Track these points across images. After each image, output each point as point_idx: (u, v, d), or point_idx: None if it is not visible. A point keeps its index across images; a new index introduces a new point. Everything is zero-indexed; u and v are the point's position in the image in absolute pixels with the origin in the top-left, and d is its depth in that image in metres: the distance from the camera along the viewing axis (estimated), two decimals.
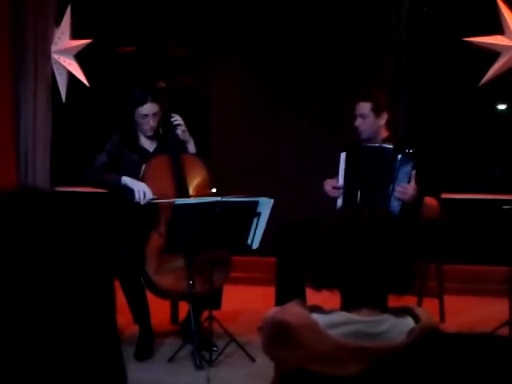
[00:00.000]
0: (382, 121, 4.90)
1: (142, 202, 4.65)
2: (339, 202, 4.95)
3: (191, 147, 4.92)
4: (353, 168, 4.93)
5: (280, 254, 4.97)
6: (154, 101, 4.78)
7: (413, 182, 4.68)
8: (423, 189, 4.72)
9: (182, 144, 4.90)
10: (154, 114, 4.79)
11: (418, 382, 0.94)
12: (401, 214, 4.65)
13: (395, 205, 4.71)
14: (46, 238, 0.90)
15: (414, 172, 4.70)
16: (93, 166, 4.80)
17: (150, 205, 4.69)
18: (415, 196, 4.68)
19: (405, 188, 4.67)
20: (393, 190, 4.73)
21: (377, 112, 4.88)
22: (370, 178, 4.84)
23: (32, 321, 0.87)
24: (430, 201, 4.79)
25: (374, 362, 0.99)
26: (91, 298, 0.92)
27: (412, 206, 4.70)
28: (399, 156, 4.74)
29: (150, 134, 4.86)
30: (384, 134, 4.93)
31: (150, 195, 4.67)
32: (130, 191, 4.67)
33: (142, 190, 4.65)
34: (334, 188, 4.95)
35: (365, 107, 4.89)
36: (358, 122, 4.91)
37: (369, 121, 4.89)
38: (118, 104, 5.07)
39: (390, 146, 4.80)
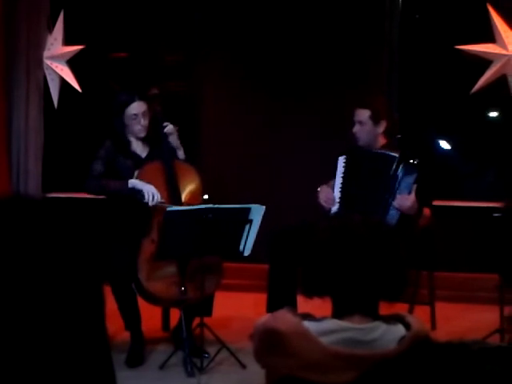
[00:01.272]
0: (380, 129, 4.87)
1: (150, 204, 4.64)
2: (334, 208, 4.92)
3: (181, 154, 4.92)
4: (352, 172, 4.90)
5: (273, 260, 4.96)
6: (141, 99, 4.78)
7: (413, 195, 4.66)
8: (422, 201, 4.71)
9: (173, 150, 4.89)
10: (144, 113, 4.78)
11: None
12: (398, 224, 4.63)
13: (393, 214, 4.68)
14: (37, 245, 0.90)
15: (415, 185, 4.68)
16: (91, 174, 4.76)
17: (144, 211, 4.68)
18: (413, 208, 4.67)
19: (405, 198, 4.65)
20: (393, 199, 4.71)
21: (375, 120, 4.85)
22: (370, 185, 4.81)
23: (21, 326, 0.87)
24: (424, 210, 4.80)
25: (366, 369, 0.99)
26: (81, 304, 0.92)
27: (410, 217, 4.70)
28: (403, 166, 4.71)
29: (142, 135, 4.83)
30: (382, 141, 4.91)
31: (158, 197, 4.66)
32: (138, 193, 4.66)
33: (151, 192, 4.65)
34: (328, 199, 4.92)
35: (363, 114, 4.87)
36: (356, 128, 4.89)
37: (366, 128, 4.86)
38: (107, 110, 5.06)
39: (396, 155, 4.76)
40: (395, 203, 4.67)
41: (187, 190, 4.86)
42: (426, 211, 4.83)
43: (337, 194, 4.92)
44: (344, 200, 4.89)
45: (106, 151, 4.81)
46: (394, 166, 4.73)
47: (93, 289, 0.94)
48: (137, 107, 4.76)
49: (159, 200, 4.65)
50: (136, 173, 4.74)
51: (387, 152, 4.83)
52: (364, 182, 4.84)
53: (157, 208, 4.65)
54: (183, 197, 4.82)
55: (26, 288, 0.87)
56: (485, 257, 5.31)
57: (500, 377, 0.90)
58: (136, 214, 4.72)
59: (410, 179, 4.69)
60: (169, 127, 4.84)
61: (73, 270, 0.92)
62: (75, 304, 0.91)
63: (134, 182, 4.68)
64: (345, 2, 6.47)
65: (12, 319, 0.86)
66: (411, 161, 4.72)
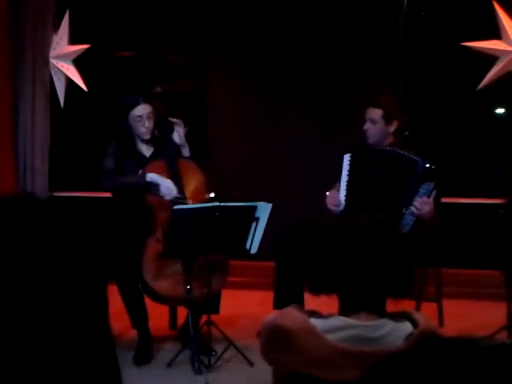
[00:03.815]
0: (392, 128, 4.87)
1: (167, 197, 4.66)
2: (340, 207, 4.90)
3: (185, 151, 4.92)
4: (361, 170, 4.85)
5: (279, 258, 4.96)
6: (146, 102, 4.79)
7: (431, 201, 4.63)
8: (437, 206, 4.67)
9: (177, 148, 4.90)
10: (148, 115, 4.79)
11: None
12: (411, 229, 4.59)
13: (408, 220, 4.63)
14: (40, 244, 0.90)
15: (435, 192, 4.63)
16: (105, 171, 4.77)
17: (146, 210, 4.68)
18: (431, 214, 4.64)
19: (425, 202, 4.59)
20: (409, 204, 4.64)
21: (387, 120, 4.84)
22: (384, 186, 4.74)
23: (25, 325, 0.87)
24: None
25: (372, 366, 0.99)
26: (84, 303, 0.92)
27: (423, 223, 4.67)
28: (424, 171, 4.64)
29: (146, 137, 4.85)
30: (390, 139, 4.91)
31: (175, 192, 4.68)
32: (155, 187, 4.68)
33: (169, 186, 4.67)
34: (334, 205, 4.88)
35: (376, 113, 4.86)
36: (367, 126, 4.88)
37: (378, 127, 4.86)
38: (113, 111, 5.07)
39: (419, 159, 4.68)
40: (415, 207, 4.60)
41: (191, 187, 4.86)
42: (436, 216, 4.81)
43: (342, 191, 4.91)
44: (350, 198, 4.87)
45: (114, 149, 4.82)
46: (416, 171, 4.67)
47: (96, 288, 0.94)
48: (141, 109, 4.77)
49: (176, 194, 4.67)
50: (140, 172, 4.74)
51: (410, 155, 4.74)
52: (377, 182, 4.77)
53: (162, 206, 4.66)
54: (187, 194, 4.83)
55: (29, 287, 0.87)
56: (492, 253, 5.30)
57: (508, 372, 0.90)
58: (141, 214, 4.72)
59: (430, 185, 4.63)
60: (178, 120, 4.85)
61: (76, 269, 0.92)
62: (79, 304, 0.91)
63: (152, 176, 4.69)
64: (350, 0, 6.47)
65: (14, 319, 0.86)
66: (430, 165, 4.66)
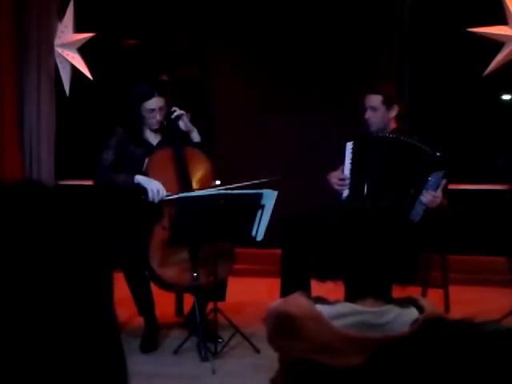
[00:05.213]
0: (393, 113, 4.85)
1: (156, 201, 4.65)
2: (344, 194, 4.90)
3: (195, 136, 4.92)
4: (366, 159, 4.82)
5: (285, 245, 4.96)
6: (160, 95, 4.78)
7: (439, 191, 4.61)
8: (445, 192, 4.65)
9: (186, 135, 4.90)
10: (160, 108, 4.79)
11: (421, 369, 0.94)
12: (421, 219, 4.58)
13: (418, 211, 4.60)
14: (46, 230, 0.90)
15: (444, 181, 4.61)
16: (101, 165, 4.77)
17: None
18: (440, 204, 4.61)
19: (434, 195, 4.57)
20: (419, 194, 4.62)
21: (388, 104, 4.82)
22: (392, 175, 4.72)
23: (30, 313, 0.87)
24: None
25: (376, 351, 1.00)
26: (90, 290, 0.92)
27: (434, 211, 4.65)
28: (433, 160, 4.59)
29: (155, 127, 4.86)
30: (392, 125, 4.89)
31: (163, 193, 4.66)
32: (144, 190, 4.67)
33: (155, 189, 4.65)
34: (340, 180, 4.89)
35: (376, 100, 4.83)
36: (369, 114, 4.85)
37: (380, 113, 4.84)
38: (125, 98, 5.06)
39: (427, 149, 4.64)
40: (424, 200, 4.59)
41: (197, 176, 4.86)
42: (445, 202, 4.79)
43: (346, 181, 4.89)
44: (354, 187, 4.85)
45: (118, 139, 4.82)
46: (424, 161, 4.62)
47: (102, 275, 0.95)
48: (155, 103, 4.76)
49: (164, 195, 4.65)
50: (146, 160, 4.75)
51: (417, 143, 4.70)
52: (382, 171, 4.75)
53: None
54: (194, 182, 4.83)
55: (35, 273, 0.88)
56: (497, 239, 5.30)
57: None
58: (148, 202, 4.72)
59: (439, 174, 4.60)
60: (177, 111, 4.84)
61: (82, 255, 0.92)
62: (84, 291, 0.91)
63: (139, 179, 4.68)
64: None
65: (19, 307, 0.87)
66: (439, 154, 4.61)
